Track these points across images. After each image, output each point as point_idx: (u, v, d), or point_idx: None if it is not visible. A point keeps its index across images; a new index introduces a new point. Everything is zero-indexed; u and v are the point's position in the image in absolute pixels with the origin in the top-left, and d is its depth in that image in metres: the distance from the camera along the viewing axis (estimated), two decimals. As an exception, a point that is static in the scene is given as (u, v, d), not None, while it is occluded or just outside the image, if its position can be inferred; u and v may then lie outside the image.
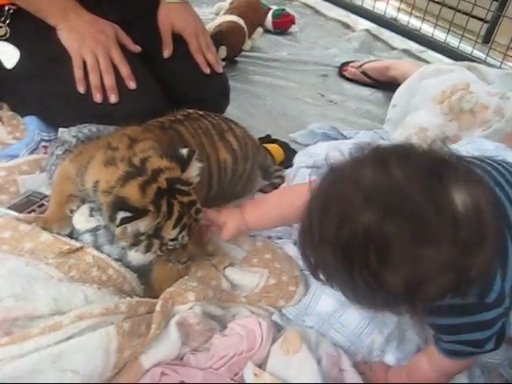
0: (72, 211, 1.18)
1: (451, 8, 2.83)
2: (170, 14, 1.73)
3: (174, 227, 1.06)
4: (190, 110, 1.44)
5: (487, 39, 2.81)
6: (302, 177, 1.48)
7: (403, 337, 1.15)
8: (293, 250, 1.35)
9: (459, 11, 2.82)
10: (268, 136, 1.84)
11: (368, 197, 0.74)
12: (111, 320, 0.96)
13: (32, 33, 1.53)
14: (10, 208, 1.24)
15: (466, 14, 2.79)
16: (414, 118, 1.78)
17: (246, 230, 1.28)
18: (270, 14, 2.65)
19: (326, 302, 1.17)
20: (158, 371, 0.99)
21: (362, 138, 1.75)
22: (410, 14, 2.90)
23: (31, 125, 1.55)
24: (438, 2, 2.88)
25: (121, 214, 0.99)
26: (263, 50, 2.51)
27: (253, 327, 1.07)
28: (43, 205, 1.28)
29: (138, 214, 1.00)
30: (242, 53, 2.39)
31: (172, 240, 1.07)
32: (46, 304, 0.97)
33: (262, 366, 1.04)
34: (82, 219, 1.15)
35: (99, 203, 1.13)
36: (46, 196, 1.31)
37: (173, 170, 1.08)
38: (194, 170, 1.11)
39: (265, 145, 1.73)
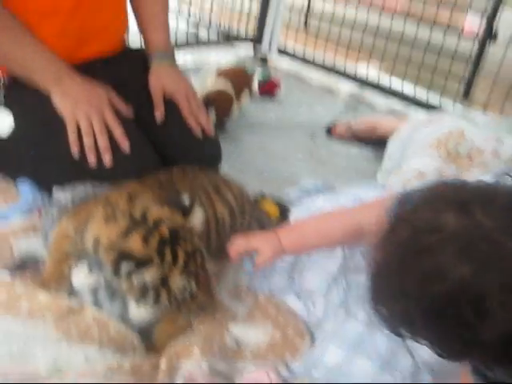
0: (70, 269, 1.15)
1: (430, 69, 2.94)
2: (161, 77, 1.76)
3: (181, 276, 1.03)
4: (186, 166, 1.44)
5: (466, 95, 2.90)
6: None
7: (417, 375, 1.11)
8: (295, 304, 1.32)
9: (437, 71, 2.93)
10: (261, 193, 1.84)
11: (457, 248, 0.71)
12: (115, 380, 0.92)
13: (25, 98, 1.55)
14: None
15: (444, 73, 2.91)
16: (410, 165, 1.79)
17: (281, 255, 1.26)
18: (255, 81, 2.72)
19: (333, 353, 1.13)
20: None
21: (358, 190, 1.75)
22: (390, 75, 3.01)
23: (25, 189, 1.54)
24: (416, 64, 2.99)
25: (125, 265, 0.97)
26: (251, 113, 2.56)
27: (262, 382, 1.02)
28: (39, 267, 1.24)
29: (142, 263, 0.97)
30: (231, 117, 2.43)
31: (179, 290, 1.04)
32: (44, 363, 0.92)
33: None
34: (81, 276, 1.12)
35: (100, 260, 1.11)
36: (41, 258, 1.28)
37: (174, 219, 1.06)
38: (197, 217, 1.10)
39: (259, 201, 1.73)
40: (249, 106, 2.61)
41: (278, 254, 1.22)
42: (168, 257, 1.02)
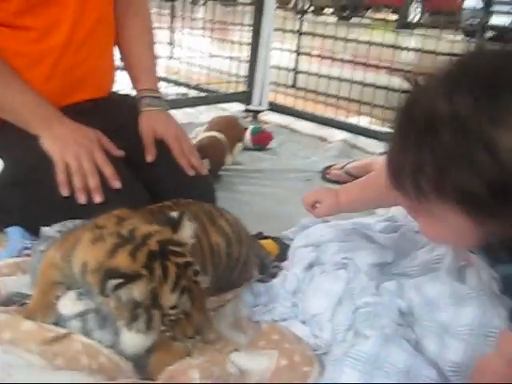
0: (57, 298, 1.08)
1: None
2: (151, 120, 1.75)
3: (173, 291, 0.96)
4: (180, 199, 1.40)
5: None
6: (300, 256, 1.41)
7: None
8: (301, 330, 1.24)
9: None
10: (260, 233, 1.78)
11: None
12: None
13: (15, 142, 1.53)
14: (-12, 308, 1.13)
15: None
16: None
17: (336, 212, 1.41)
18: (248, 132, 2.72)
19: (349, 375, 1.04)
20: None
21: (359, 222, 1.70)
22: (382, 124, 3.03)
23: (14, 235, 1.49)
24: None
25: (112, 282, 0.90)
26: (245, 164, 2.54)
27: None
28: (25, 303, 1.17)
29: (130, 278, 0.91)
30: (225, 167, 2.41)
31: (173, 308, 0.97)
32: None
33: None
34: (68, 303, 1.05)
35: (88, 286, 1.04)
36: (28, 295, 1.20)
37: (163, 233, 1.01)
38: (187, 231, 1.04)
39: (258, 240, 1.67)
40: (242, 157, 2.60)
41: (332, 210, 1.39)
42: (158, 271, 0.96)
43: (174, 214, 1.06)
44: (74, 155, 1.49)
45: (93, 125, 1.61)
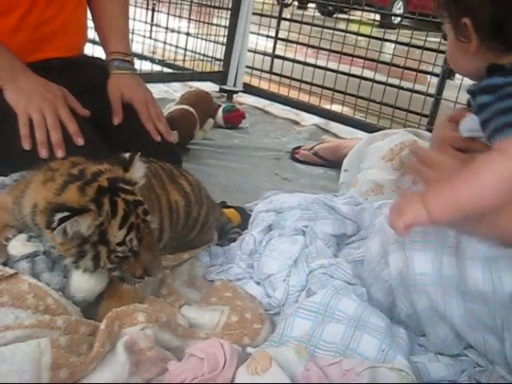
0: (7, 239, 1.06)
1: (391, 106, 3.01)
2: (119, 83, 1.74)
3: (120, 227, 0.96)
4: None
5: (430, 130, 2.94)
6: (261, 220, 1.41)
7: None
8: (255, 290, 1.24)
9: (398, 108, 3.00)
10: (223, 202, 1.78)
11: None
12: (45, 334, 0.82)
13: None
14: None
15: (405, 110, 2.98)
16: (366, 175, 1.78)
17: (425, 223, 0.96)
18: (220, 110, 2.71)
19: (300, 325, 1.05)
20: (102, 400, 0.83)
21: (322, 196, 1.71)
22: (354, 110, 3.06)
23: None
24: (378, 102, 3.07)
25: (57, 216, 0.89)
26: (215, 140, 2.53)
27: (213, 350, 0.93)
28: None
29: (76, 212, 0.91)
30: (194, 141, 2.40)
31: (120, 244, 0.96)
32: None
33: (226, 391, 0.89)
34: (18, 244, 1.03)
35: (38, 228, 1.03)
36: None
37: (114, 171, 1.01)
38: (138, 171, 1.04)
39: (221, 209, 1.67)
40: (214, 134, 2.59)
41: (419, 221, 0.95)
42: (106, 206, 0.95)
43: (126, 154, 1.04)
44: (38, 108, 1.46)
45: (60, 83, 1.58)
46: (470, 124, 1.09)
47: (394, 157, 1.78)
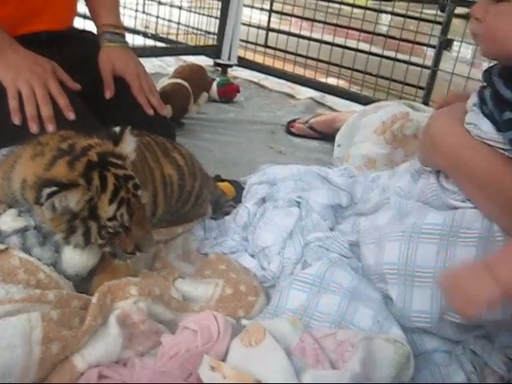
0: (-3, 215, 1.04)
1: (387, 78, 2.98)
2: (110, 56, 1.70)
3: (111, 202, 0.94)
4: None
5: (426, 102, 2.92)
6: (254, 192, 1.40)
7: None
8: (249, 262, 1.24)
9: (394, 80, 2.97)
10: (218, 176, 1.76)
11: None
12: (35, 308, 0.81)
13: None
14: None
15: (402, 82, 2.95)
16: (359, 149, 1.77)
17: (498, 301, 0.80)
18: (214, 84, 2.68)
19: (295, 297, 1.05)
20: (94, 373, 0.82)
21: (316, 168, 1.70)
22: (350, 83, 3.03)
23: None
24: (374, 75, 3.04)
25: (46, 191, 0.88)
26: (210, 114, 2.50)
27: (207, 322, 0.92)
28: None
29: (64, 186, 0.89)
30: (189, 116, 2.37)
31: (110, 220, 0.95)
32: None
33: (220, 363, 0.88)
34: (8, 219, 1.02)
35: (28, 203, 1.01)
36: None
37: (104, 145, 0.99)
38: (129, 145, 1.02)
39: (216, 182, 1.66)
40: (208, 108, 2.56)
41: (495, 304, 0.79)
42: (96, 181, 0.93)
43: (116, 128, 1.03)
44: (27, 82, 1.43)
45: (50, 57, 1.55)
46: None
47: (386, 130, 1.76)
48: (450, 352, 1.05)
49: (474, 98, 1.04)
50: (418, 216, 1.04)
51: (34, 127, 1.41)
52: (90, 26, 1.94)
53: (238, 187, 1.70)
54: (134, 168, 1.06)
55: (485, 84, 1.04)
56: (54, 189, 0.88)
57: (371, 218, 1.19)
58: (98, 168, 0.95)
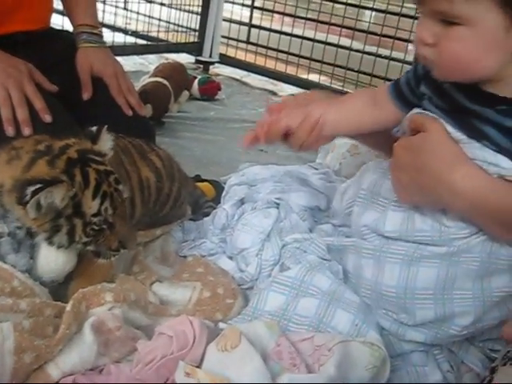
0: (-30, 222, 1.03)
1: (368, 74, 2.99)
2: (88, 56, 1.69)
3: (94, 197, 0.94)
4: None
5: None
6: (233, 193, 1.39)
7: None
8: (227, 265, 1.23)
9: (375, 76, 2.98)
10: (198, 176, 1.76)
11: None
12: (7, 318, 0.80)
13: None
14: None
15: (383, 78, 2.96)
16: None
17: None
18: (195, 82, 2.68)
19: (274, 299, 1.04)
20: (69, 382, 0.82)
21: (295, 169, 1.69)
22: (331, 79, 3.04)
23: None
24: (355, 71, 3.05)
25: (30, 189, 0.88)
26: (190, 112, 2.49)
27: (182, 327, 0.92)
28: None
29: (49, 183, 0.89)
30: (169, 114, 2.37)
31: (95, 215, 0.95)
32: None
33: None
34: (-20, 226, 1.01)
35: (3, 209, 1.00)
36: None
37: (83, 144, 1.00)
38: (106, 143, 1.03)
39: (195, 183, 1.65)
40: (189, 106, 2.56)
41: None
42: (78, 177, 0.94)
43: (93, 128, 1.03)
44: (2, 85, 1.41)
45: (25, 58, 1.53)
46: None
47: None
48: (427, 352, 1.06)
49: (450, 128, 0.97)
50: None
51: (9, 130, 1.39)
52: (68, 24, 1.92)
53: (218, 187, 1.69)
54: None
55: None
56: (39, 186, 0.88)
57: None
58: (78, 164, 0.95)
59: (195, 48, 3.32)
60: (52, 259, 0.99)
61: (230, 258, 1.26)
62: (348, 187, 1.27)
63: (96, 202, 0.95)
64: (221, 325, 1.03)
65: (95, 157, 0.99)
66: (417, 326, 1.01)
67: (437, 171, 0.93)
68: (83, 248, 1.01)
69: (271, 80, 3.16)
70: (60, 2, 1.80)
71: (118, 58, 1.79)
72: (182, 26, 3.50)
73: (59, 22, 2.24)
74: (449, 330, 1.00)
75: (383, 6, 3.11)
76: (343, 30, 3.19)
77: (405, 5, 2.91)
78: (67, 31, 1.87)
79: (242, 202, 1.37)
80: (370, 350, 0.91)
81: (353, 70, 3.04)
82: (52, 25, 1.84)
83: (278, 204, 1.34)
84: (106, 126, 1.04)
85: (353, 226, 1.17)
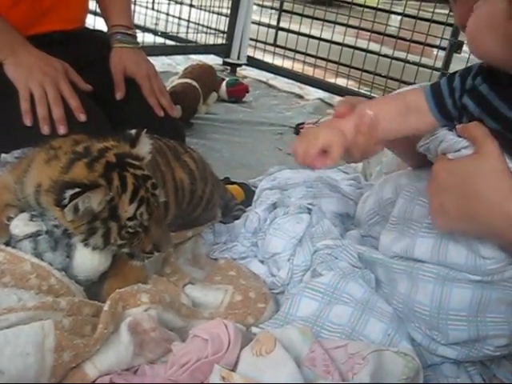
0: (9, 219, 1.04)
1: (397, 80, 2.97)
2: (122, 57, 1.71)
3: (131, 202, 0.95)
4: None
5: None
6: (265, 198, 1.40)
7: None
8: (259, 269, 1.24)
9: (403, 82, 2.96)
10: (227, 178, 1.76)
11: None
12: (48, 316, 0.81)
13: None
14: None
15: (412, 84, 2.93)
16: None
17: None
18: (223, 84, 2.69)
19: (307, 305, 1.04)
20: (105, 381, 0.83)
21: (326, 174, 1.69)
22: (359, 84, 3.02)
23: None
24: (384, 76, 3.03)
25: (69, 192, 0.89)
26: (219, 114, 2.50)
27: (217, 331, 0.92)
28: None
29: (87, 187, 0.90)
30: (198, 116, 2.38)
31: (131, 219, 0.96)
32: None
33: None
34: (20, 224, 1.02)
35: (42, 208, 1.02)
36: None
37: (121, 147, 1.00)
38: (145, 147, 1.04)
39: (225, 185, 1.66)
40: (217, 108, 2.57)
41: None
42: (116, 181, 0.94)
43: (132, 131, 1.04)
44: (39, 83, 1.44)
45: (61, 57, 1.55)
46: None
47: None
48: (459, 363, 1.05)
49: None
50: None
51: (45, 128, 1.41)
52: (100, 23, 1.94)
53: (247, 190, 1.70)
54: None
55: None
56: (77, 190, 0.89)
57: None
58: (117, 169, 0.96)
59: (223, 50, 3.34)
60: (88, 258, 1.00)
61: (261, 261, 1.26)
62: (368, 197, 1.27)
63: (132, 207, 0.96)
64: (253, 329, 1.04)
65: (133, 161, 1.00)
66: (449, 343, 1.00)
67: (491, 200, 0.88)
68: (118, 250, 1.02)
69: (298, 83, 3.16)
70: (94, 2, 1.82)
71: (148, 58, 1.80)
72: (210, 28, 3.51)
73: (91, 21, 2.26)
74: (482, 349, 0.99)
75: (414, 11, 3.09)
76: (372, 34, 3.18)
77: (436, 10, 2.89)
78: (101, 31, 1.89)
79: (274, 206, 1.37)
80: (404, 360, 0.91)
81: (381, 76, 3.02)
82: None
83: (309, 209, 1.34)
84: (145, 130, 1.05)
85: (382, 250, 1.15)
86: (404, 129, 1.02)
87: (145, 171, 1.00)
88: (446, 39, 2.90)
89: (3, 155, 1.32)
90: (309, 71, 3.21)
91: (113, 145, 1.01)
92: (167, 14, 3.65)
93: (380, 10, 3.29)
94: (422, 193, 1.09)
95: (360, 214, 1.33)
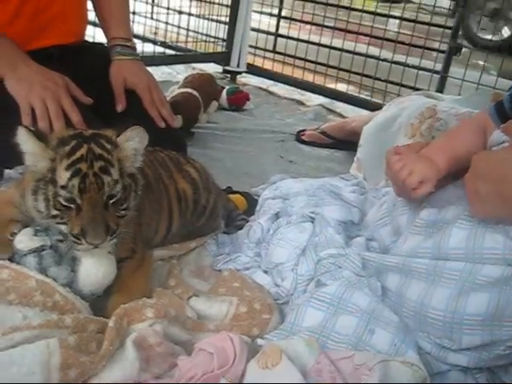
0: (13, 234, 1.05)
1: (397, 84, 2.97)
2: (122, 69, 1.71)
3: (67, 169, 0.95)
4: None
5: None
6: (268, 208, 1.40)
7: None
8: (263, 279, 1.24)
9: (403, 86, 2.96)
10: (229, 187, 1.76)
11: None
12: (53, 334, 0.81)
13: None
14: None
15: (412, 87, 2.93)
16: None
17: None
18: (224, 92, 2.68)
19: (312, 316, 1.04)
20: (112, 397, 0.83)
21: (328, 182, 1.69)
22: (359, 89, 3.03)
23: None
24: (384, 80, 3.03)
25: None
26: (220, 123, 2.50)
27: (222, 344, 0.92)
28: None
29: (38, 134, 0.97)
30: (199, 125, 2.38)
31: (63, 187, 0.95)
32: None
33: (237, 386, 0.88)
34: (24, 239, 1.02)
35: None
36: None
37: (107, 132, 1.04)
38: (128, 139, 1.04)
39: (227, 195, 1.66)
40: (218, 117, 2.57)
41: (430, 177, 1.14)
42: (67, 146, 0.99)
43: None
44: (40, 98, 1.44)
45: (61, 71, 1.56)
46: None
47: (416, 132, 1.72)
48: (466, 370, 1.05)
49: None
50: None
51: None
52: (100, 34, 1.94)
53: (250, 199, 1.70)
54: (150, 186, 1.06)
55: None
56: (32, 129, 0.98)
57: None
58: (80, 139, 0.99)
59: (223, 58, 3.34)
60: (92, 272, 1.00)
61: (265, 272, 1.26)
62: (385, 202, 1.27)
63: (67, 174, 0.95)
64: (259, 341, 1.04)
65: (104, 142, 1.00)
66: (461, 349, 1.00)
67: None
68: (53, 222, 0.99)
69: (298, 90, 3.16)
70: (93, 13, 1.83)
71: (148, 68, 1.81)
72: (210, 36, 3.51)
73: (91, 32, 2.26)
74: (493, 350, 0.99)
75: (413, 14, 3.09)
76: (371, 39, 3.18)
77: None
78: (101, 44, 1.90)
79: (276, 216, 1.37)
80: (410, 370, 0.91)
81: (381, 80, 3.02)
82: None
83: (312, 218, 1.34)
84: (140, 128, 1.06)
85: (400, 252, 1.15)
86: (480, 147, 1.17)
87: (109, 156, 0.99)
88: (445, 42, 2.90)
89: (7, 171, 1.32)
90: (309, 77, 3.21)
91: (103, 133, 1.04)
92: (166, 23, 3.65)
93: (379, 14, 3.28)
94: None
95: (373, 216, 1.34)
